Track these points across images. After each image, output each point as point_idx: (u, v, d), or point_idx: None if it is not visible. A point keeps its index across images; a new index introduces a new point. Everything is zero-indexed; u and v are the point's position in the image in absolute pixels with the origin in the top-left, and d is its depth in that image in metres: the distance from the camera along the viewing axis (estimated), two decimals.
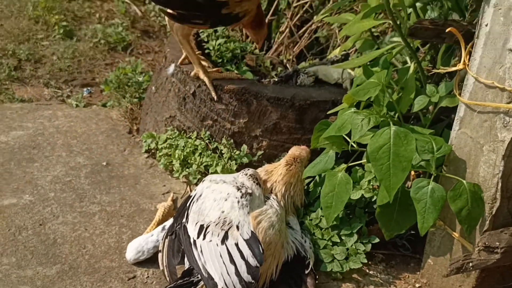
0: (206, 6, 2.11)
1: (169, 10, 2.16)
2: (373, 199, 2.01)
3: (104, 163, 2.59)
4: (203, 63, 2.53)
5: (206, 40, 2.97)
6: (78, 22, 4.13)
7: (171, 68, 2.58)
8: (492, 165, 1.61)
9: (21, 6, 4.08)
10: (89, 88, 3.43)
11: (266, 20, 3.82)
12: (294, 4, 3.72)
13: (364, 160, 2.02)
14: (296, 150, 2.19)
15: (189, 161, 2.46)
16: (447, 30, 1.71)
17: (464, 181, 1.65)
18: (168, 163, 2.52)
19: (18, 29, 3.86)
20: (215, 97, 2.41)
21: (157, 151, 2.59)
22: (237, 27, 2.58)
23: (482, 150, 1.64)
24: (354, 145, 1.97)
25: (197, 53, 2.63)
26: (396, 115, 1.98)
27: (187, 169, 2.45)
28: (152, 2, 2.24)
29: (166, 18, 2.41)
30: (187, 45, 2.37)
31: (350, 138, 1.91)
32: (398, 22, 1.94)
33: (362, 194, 2.00)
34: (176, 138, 2.53)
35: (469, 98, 1.65)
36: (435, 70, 1.94)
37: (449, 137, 1.78)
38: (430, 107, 1.99)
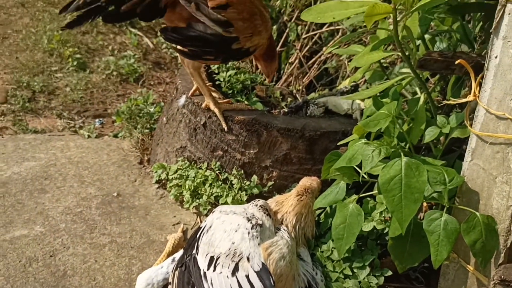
0: (216, 42, 2.16)
1: (180, 47, 2.20)
2: (385, 231, 1.99)
3: (115, 194, 2.60)
4: (214, 94, 2.56)
5: (216, 71, 3.01)
6: (91, 54, 4.21)
7: (182, 99, 2.60)
8: (506, 197, 1.59)
9: (37, 39, 4.18)
10: (101, 119, 3.47)
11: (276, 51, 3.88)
12: (304, 36, 3.78)
13: (375, 191, 2.01)
14: (307, 181, 2.18)
15: (199, 191, 2.46)
16: (456, 62, 1.72)
17: (478, 213, 1.63)
18: (178, 194, 2.52)
19: (33, 62, 3.94)
20: (226, 128, 2.42)
21: (168, 182, 2.59)
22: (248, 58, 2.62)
23: (495, 181, 1.62)
24: (365, 176, 1.96)
25: (207, 84, 2.67)
26: (407, 146, 1.98)
27: (197, 200, 2.45)
28: (164, 39, 2.29)
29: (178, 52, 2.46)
30: (198, 77, 2.41)
31: (361, 169, 1.90)
32: (407, 54, 1.96)
33: (374, 226, 1.98)
34: (186, 169, 2.53)
35: (480, 129, 1.64)
36: (445, 102, 1.94)
37: (461, 168, 1.76)
38: (441, 138, 1.99)
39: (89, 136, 3.19)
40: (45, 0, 4.88)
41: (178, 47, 2.21)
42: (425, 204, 1.92)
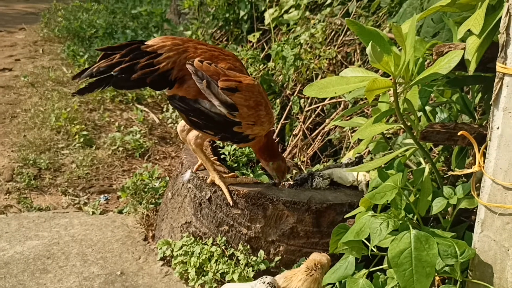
0: (219, 121, 2.22)
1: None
2: None
3: (119, 272, 2.54)
4: (219, 168, 2.57)
5: (221, 145, 3.04)
6: (98, 130, 4.28)
7: (187, 174, 2.61)
8: None
9: (45, 117, 4.27)
10: (106, 195, 3.47)
11: (279, 124, 3.94)
12: (306, 108, 3.84)
13: (385, 265, 1.95)
14: (316, 256, 2.13)
15: (205, 268, 2.40)
16: (458, 134, 1.74)
17: (492, 287, 1.57)
18: (183, 271, 2.46)
19: (40, 139, 4.00)
20: (231, 202, 2.41)
21: (173, 259, 2.54)
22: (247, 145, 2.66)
23: (507, 253, 1.58)
24: (374, 250, 1.91)
25: (212, 158, 2.69)
26: (415, 217, 1.95)
27: (203, 277, 2.39)
28: (170, 105, 2.36)
29: (178, 130, 2.50)
30: (200, 153, 2.43)
31: (369, 242, 1.87)
32: (409, 124, 1.98)
33: None
34: (191, 245, 2.49)
35: (488, 200, 1.63)
36: (451, 173, 1.93)
37: (472, 240, 1.73)
38: (449, 209, 1.96)
39: (93, 213, 3.17)
40: (54, 79, 5.05)
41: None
42: (437, 278, 1.86)
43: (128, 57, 2.15)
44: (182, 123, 2.50)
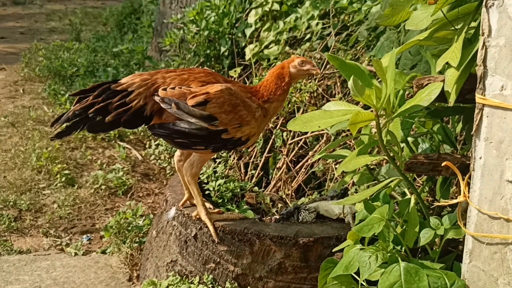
0: (204, 136, 2.23)
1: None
2: None
3: None
4: (206, 204, 2.54)
5: (206, 181, 3.02)
6: (80, 169, 4.23)
7: (172, 212, 2.58)
8: None
9: (25, 157, 4.20)
10: (88, 235, 3.39)
11: (263, 158, 3.94)
12: (289, 141, 3.86)
13: None
14: None
15: None
16: (442, 164, 1.76)
17: None
18: None
19: (21, 180, 3.93)
20: (217, 239, 2.38)
21: None
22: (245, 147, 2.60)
23: (497, 283, 1.58)
24: (364, 284, 1.89)
25: None
26: (403, 249, 1.94)
27: None
28: (152, 135, 2.38)
29: (175, 160, 2.49)
30: (194, 186, 2.40)
31: (359, 276, 1.85)
32: (392, 156, 2.00)
33: None
34: (178, 284, 2.44)
35: (474, 229, 1.63)
36: (436, 204, 1.95)
37: (461, 270, 1.72)
38: (436, 240, 1.96)
39: (76, 254, 3.09)
40: (35, 119, 5.00)
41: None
42: None
43: (101, 97, 2.22)
44: (178, 153, 2.50)
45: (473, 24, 1.80)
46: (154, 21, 6.87)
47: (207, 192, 2.93)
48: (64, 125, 2.25)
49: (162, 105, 2.22)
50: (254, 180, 3.76)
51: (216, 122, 2.22)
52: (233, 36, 4.81)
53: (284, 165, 3.84)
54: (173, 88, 2.24)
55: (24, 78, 6.33)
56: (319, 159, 3.73)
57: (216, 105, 2.22)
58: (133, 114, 2.22)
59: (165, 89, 2.24)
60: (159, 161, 4.41)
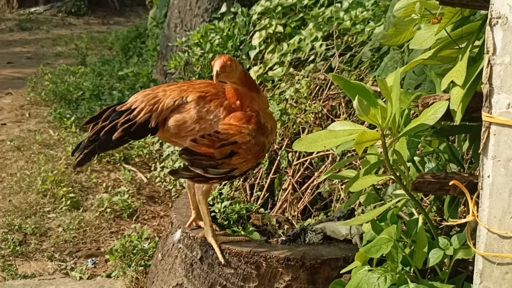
0: (221, 176, 2.25)
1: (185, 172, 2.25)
2: None
3: None
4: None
5: (211, 203, 3.01)
6: (85, 192, 4.22)
7: (178, 234, 2.56)
8: None
9: (31, 181, 4.21)
10: (93, 259, 3.37)
11: (268, 179, 3.93)
12: (295, 162, 3.85)
13: None
14: None
15: None
16: (450, 183, 1.74)
17: None
18: None
19: (26, 204, 3.93)
20: (223, 261, 2.35)
21: None
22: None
23: None
24: None
25: None
26: (412, 270, 1.91)
27: None
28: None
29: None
30: (204, 205, 2.38)
31: None
32: (398, 175, 1.98)
33: None
34: None
35: (484, 249, 1.61)
36: (445, 223, 1.92)
37: None
38: (446, 260, 1.93)
39: (81, 278, 3.07)
40: (41, 142, 5.02)
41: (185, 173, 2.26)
42: None
43: (108, 120, 2.27)
44: None
45: (477, 42, 1.81)
46: (159, 45, 6.93)
47: (212, 214, 2.91)
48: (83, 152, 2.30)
49: (191, 168, 2.16)
50: (260, 201, 3.74)
51: (236, 172, 2.25)
52: (238, 59, 4.85)
53: (290, 186, 3.82)
54: (203, 137, 2.16)
55: (30, 102, 6.38)
56: (325, 179, 3.71)
57: (240, 158, 2.22)
58: (138, 127, 2.25)
59: (194, 140, 2.16)
60: (164, 183, 4.40)
